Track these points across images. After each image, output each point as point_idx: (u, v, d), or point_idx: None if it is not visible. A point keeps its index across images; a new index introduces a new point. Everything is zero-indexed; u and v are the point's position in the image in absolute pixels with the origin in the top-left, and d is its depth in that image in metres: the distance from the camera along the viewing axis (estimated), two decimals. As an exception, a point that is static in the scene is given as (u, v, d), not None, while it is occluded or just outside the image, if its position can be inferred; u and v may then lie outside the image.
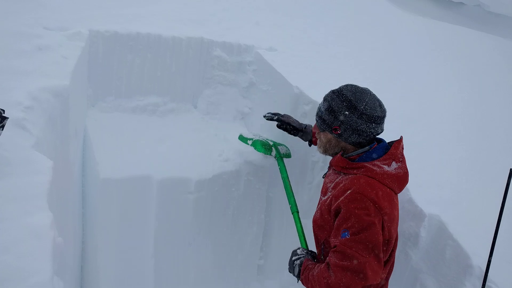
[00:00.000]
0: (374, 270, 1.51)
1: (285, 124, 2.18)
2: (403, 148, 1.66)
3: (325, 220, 1.67)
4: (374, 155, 1.60)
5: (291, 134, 2.21)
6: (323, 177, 1.81)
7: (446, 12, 6.54)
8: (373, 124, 1.58)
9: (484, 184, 2.42)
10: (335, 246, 1.56)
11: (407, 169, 1.63)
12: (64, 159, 1.89)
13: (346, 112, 1.58)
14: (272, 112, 2.25)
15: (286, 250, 2.27)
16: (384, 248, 1.58)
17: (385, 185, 1.55)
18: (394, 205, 1.59)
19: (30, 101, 1.69)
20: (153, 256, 2.29)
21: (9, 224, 1.28)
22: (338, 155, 1.66)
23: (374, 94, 1.63)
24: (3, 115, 1.37)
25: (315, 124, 1.75)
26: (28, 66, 1.88)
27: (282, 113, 2.23)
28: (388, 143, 1.67)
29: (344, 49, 3.26)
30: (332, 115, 1.61)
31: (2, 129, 1.37)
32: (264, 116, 2.24)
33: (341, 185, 1.60)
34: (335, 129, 1.61)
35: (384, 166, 1.58)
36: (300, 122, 2.21)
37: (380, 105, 1.61)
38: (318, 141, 1.75)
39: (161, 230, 2.29)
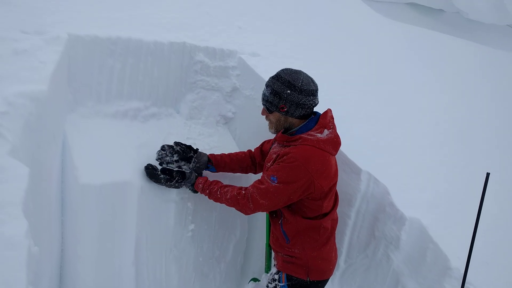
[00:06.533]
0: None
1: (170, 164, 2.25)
2: (332, 118, 1.98)
3: None
4: (309, 126, 1.93)
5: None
6: (269, 150, 2.12)
7: (426, 19, 6.67)
8: (311, 97, 1.89)
9: (462, 187, 2.46)
10: (262, 183, 1.90)
11: (337, 133, 1.97)
12: (41, 165, 1.84)
13: (288, 91, 1.87)
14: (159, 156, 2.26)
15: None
16: (324, 196, 1.94)
17: (320, 149, 1.87)
18: (327, 163, 1.90)
19: (5, 106, 1.63)
20: (134, 263, 2.25)
21: (-19, 234, 1.24)
22: (279, 133, 1.99)
23: (306, 73, 1.94)
24: None
25: (262, 109, 2.00)
26: (3, 70, 1.82)
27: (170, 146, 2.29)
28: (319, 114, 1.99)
29: (326, 53, 3.29)
30: (277, 96, 1.89)
31: None
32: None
33: (282, 152, 1.91)
34: (282, 108, 1.90)
35: (317, 134, 1.90)
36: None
37: (312, 81, 1.93)
38: (268, 123, 2.01)
39: (142, 237, 2.26)
